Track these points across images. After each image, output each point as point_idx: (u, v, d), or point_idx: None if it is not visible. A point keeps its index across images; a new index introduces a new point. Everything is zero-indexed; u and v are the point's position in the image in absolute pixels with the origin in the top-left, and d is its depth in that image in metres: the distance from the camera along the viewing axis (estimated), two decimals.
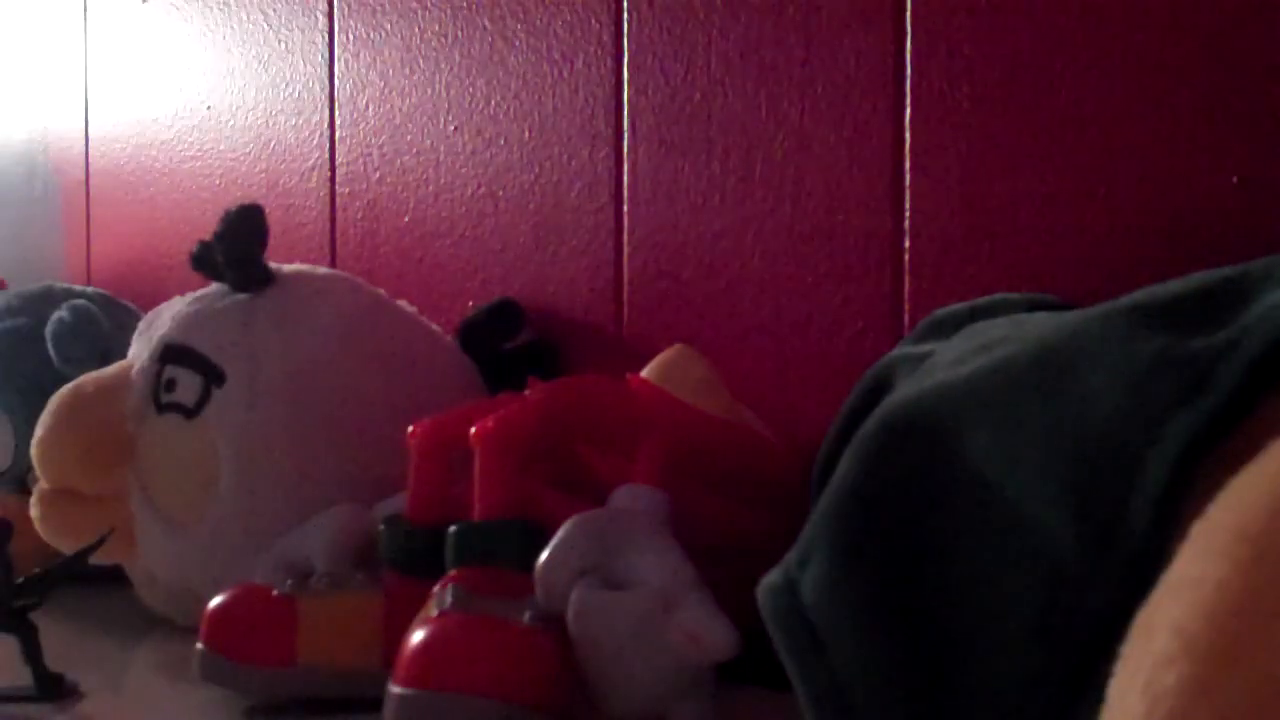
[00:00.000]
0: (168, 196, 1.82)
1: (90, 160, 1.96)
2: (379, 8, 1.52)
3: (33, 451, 1.22)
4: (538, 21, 1.35)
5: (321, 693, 0.99)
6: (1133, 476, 0.55)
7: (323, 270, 1.30)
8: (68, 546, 1.17)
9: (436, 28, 1.46)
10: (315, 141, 1.60)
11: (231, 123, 1.73)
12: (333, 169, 1.59)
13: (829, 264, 1.12)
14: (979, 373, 0.65)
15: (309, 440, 1.17)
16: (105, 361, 1.32)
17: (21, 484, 1.41)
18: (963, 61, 1.03)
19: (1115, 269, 0.95)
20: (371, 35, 1.53)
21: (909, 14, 1.06)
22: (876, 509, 0.64)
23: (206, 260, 1.23)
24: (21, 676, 1.05)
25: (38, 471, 1.22)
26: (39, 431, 1.22)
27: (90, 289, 1.55)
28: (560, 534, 0.87)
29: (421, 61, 1.47)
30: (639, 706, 0.84)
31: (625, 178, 1.27)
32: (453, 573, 0.92)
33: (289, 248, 1.60)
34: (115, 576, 1.28)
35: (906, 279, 1.06)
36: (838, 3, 1.11)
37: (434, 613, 0.86)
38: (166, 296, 1.33)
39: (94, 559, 1.13)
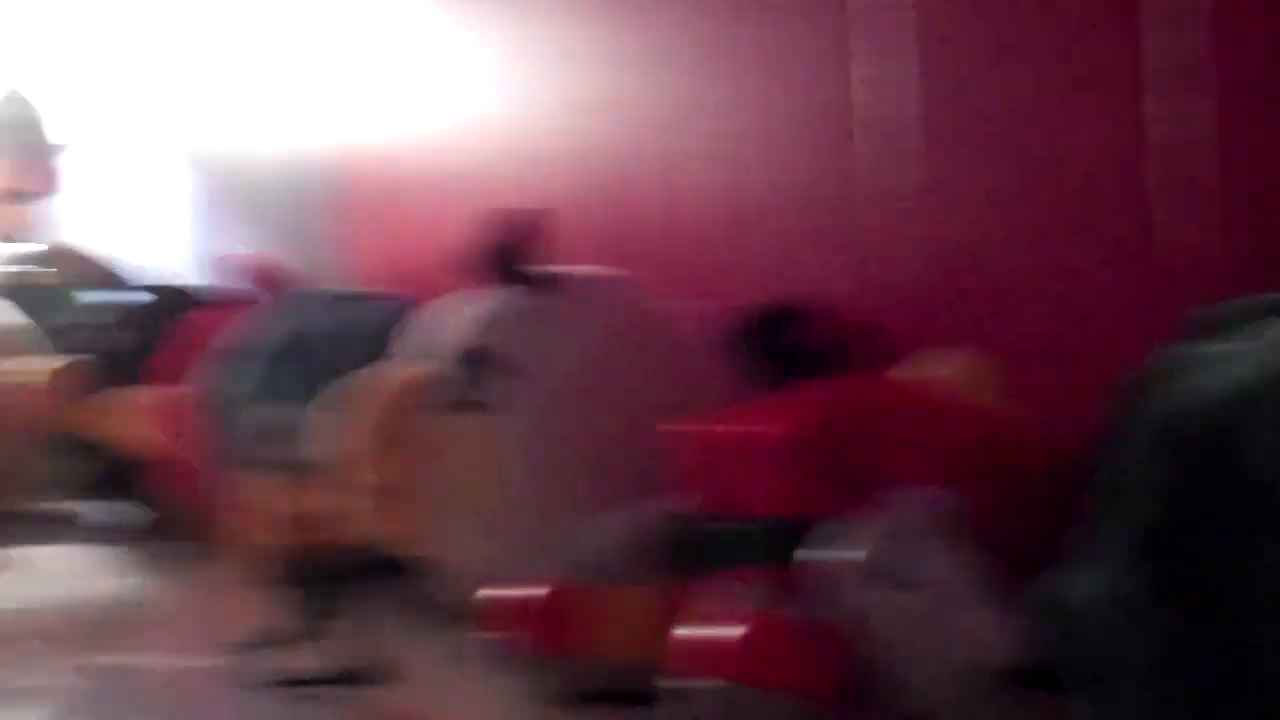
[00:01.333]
0: (436, 202, 1.86)
1: (365, 168, 2.01)
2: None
3: (333, 447, 1.31)
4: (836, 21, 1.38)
5: (614, 683, 1.03)
6: None
7: (603, 272, 1.36)
8: (372, 538, 1.25)
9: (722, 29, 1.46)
10: (587, 146, 1.63)
11: (504, 129, 1.76)
12: (602, 174, 1.61)
13: (1120, 267, 1.12)
14: (1271, 373, 0.67)
15: (597, 438, 1.23)
16: (372, 360, 1.39)
17: (310, 478, 1.44)
18: None
19: None
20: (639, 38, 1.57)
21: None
22: (1168, 510, 0.67)
23: (489, 263, 1.29)
24: (331, 661, 1.12)
25: (332, 465, 1.29)
26: (341, 427, 1.30)
27: (378, 290, 1.63)
28: (851, 535, 0.88)
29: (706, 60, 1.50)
30: (928, 706, 0.87)
31: (912, 179, 1.29)
32: (749, 570, 0.94)
33: (562, 251, 1.56)
34: (412, 568, 1.32)
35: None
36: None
37: (726, 609, 0.90)
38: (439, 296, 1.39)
39: (395, 551, 1.23)
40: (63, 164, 2.22)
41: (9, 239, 2.18)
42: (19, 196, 2.18)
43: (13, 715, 1.10)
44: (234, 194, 2.36)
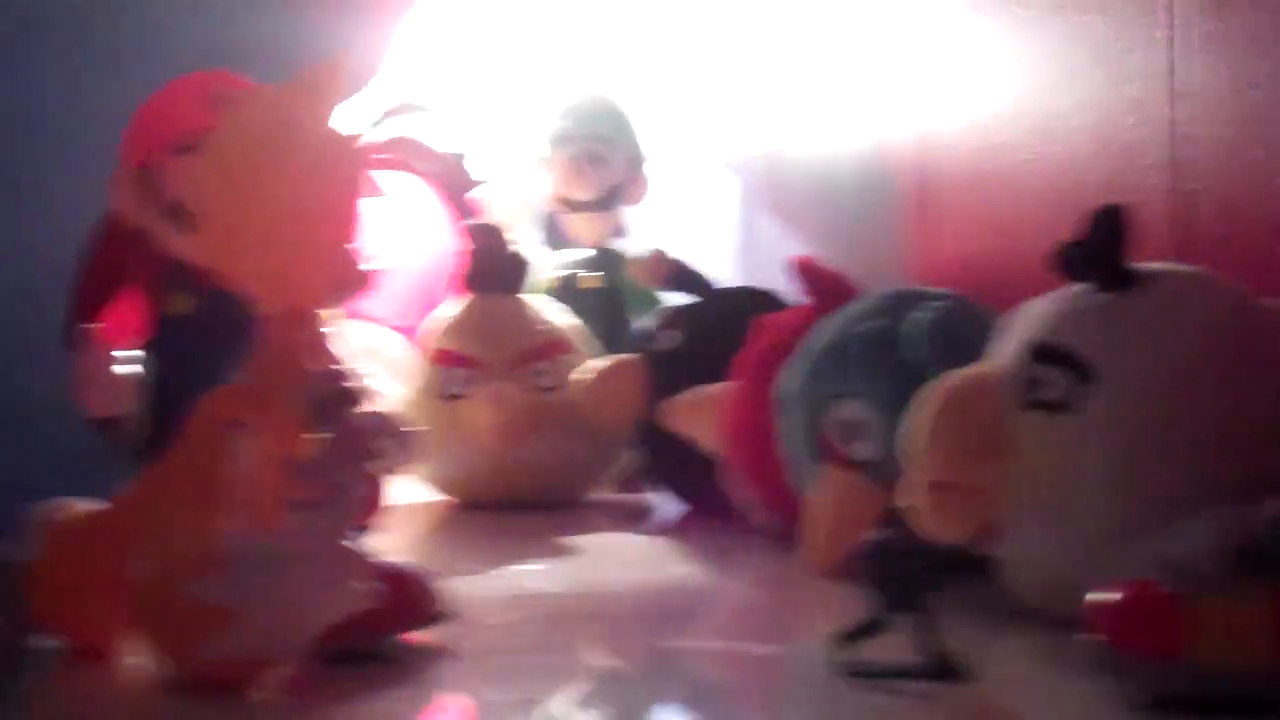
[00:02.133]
0: (1008, 198, 1.85)
1: (927, 165, 2.01)
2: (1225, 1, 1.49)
3: (908, 445, 1.30)
4: None
5: (1208, 690, 1.00)
6: None
7: (1185, 269, 1.32)
8: (945, 536, 1.25)
9: None
10: (1155, 138, 1.58)
11: (1067, 123, 1.73)
12: (1175, 166, 1.55)
13: None
14: None
15: (1183, 439, 1.19)
16: (962, 360, 1.37)
17: (888, 476, 1.46)
18: None
19: None
20: (1216, 28, 1.49)
21: None
22: None
23: (1070, 260, 1.27)
24: (910, 656, 1.12)
25: (914, 464, 1.29)
26: (915, 425, 1.30)
27: (944, 291, 1.61)
28: None
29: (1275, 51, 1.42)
30: None
31: None
32: None
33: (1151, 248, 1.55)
34: (988, 567, 1.32)
35: None
36: None
37: None
38: (1013, 296, 1.37)
39: (970, 550, 1.24)
40: (646, 172, 2.31)
41: (594, 247, 2.30)
42: (601, 204, 2.29)
43: (590, 691, 1.18)
44: (788, 197, 2.40)
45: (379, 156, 1.28)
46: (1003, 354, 1.31)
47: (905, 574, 1.12)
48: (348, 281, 1.20)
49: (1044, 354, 1.25)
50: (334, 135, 1.19)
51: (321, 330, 1.18)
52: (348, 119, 1.21)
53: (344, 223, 1.19)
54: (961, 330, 1.50)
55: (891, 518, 1.14)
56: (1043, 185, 1.75)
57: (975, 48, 1.92)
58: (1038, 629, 1.27)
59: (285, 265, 1.18)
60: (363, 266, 1.20)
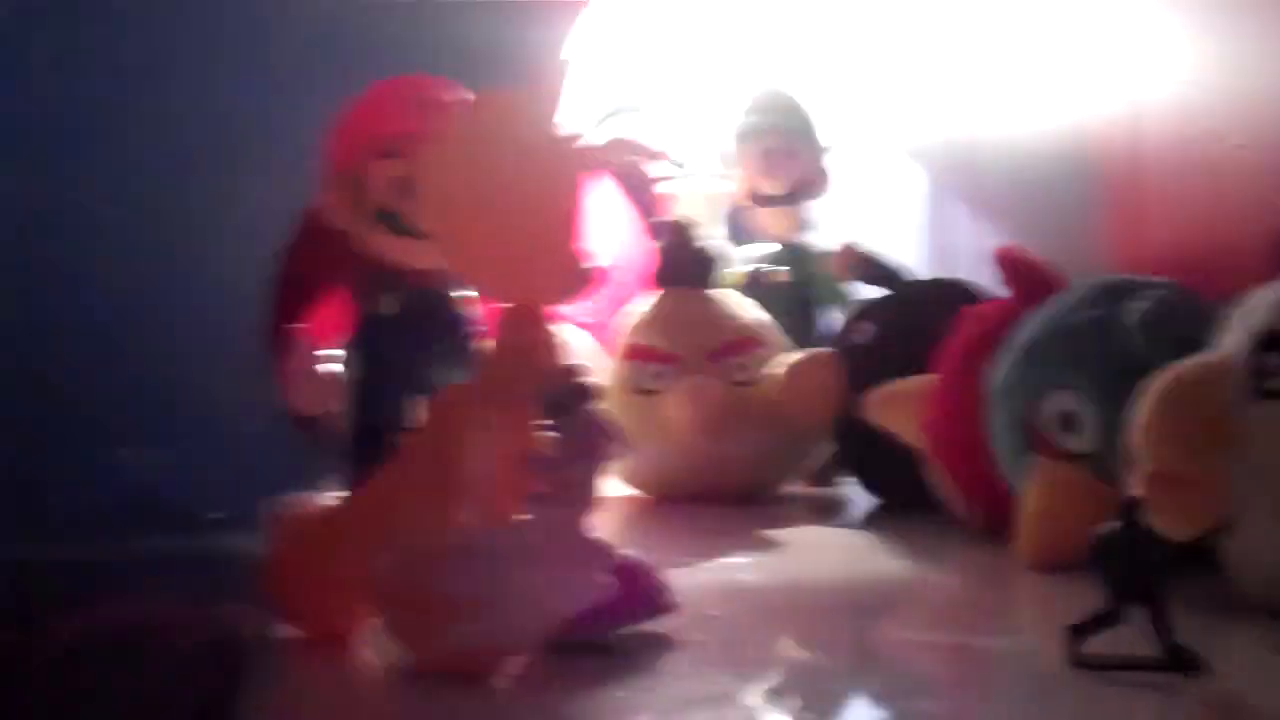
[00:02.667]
0: (1218, 186, 1.80)
1: (1132, 151, 1.97)
2: None
3: (1133, 436, 1.29)
4: None
5: None
6: None
7: None
8: (1173, 530, 1.22)
9: None
10: None
11: None
12: None
13: None
14: None
15: None
16: (1181, 351, 1.36)
17: (1102, 468, 1.48)
18: None
19: None
20: None
21: None
22: None
23: None
24: (1140, 648, 1.11)
25: (1140, 456, 1.28)
26: (1139, 417, 1.29)
27: (1159, 280, 1.59)
28: None
29: None
30: None
31: None
32: None
33: None
34: (1216, 559, 1.32)
35: None
36: None
37: None
38: (1222, 287, 1.36)
39: (1197, 542, 1.23)
40: (828, 164, 2.30)
41: (781, 241, 2.30)
42: (789, 198, 2.29)
43: (814, 682, 1.20)
44: (981, 186, 2.37)
45: (600, 157, 1.31)
46: (1228, 343, 1.29)
47: (1138, 566, 1.11)
48: (575, 280, 1.23)
49: (1273, 342, 1.24)
50: (560, 136, 1.22)
51: (552, 328, 1.21)
52: (569, 120, 1.24)
53: (571, 222, 1.22)
54: (1180, 320, 1.48)
55: (1125, 508, 1.12)
56: (1257, 171, 1.71)
57: (1183, 27, 1.88)
58: (1267, 622, 1.25)
59: (517, 266, 1.22)
60: (588, 265, 1.23)
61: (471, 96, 1.33)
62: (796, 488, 2.15)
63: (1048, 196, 2.14)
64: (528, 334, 1.20)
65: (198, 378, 1.99)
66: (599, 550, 1.15)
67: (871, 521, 1.97)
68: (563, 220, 1.22)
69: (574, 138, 1.23)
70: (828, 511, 2.06)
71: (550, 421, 1.16)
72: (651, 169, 2.28)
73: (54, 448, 2.00)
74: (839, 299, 2.23)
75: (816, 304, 2.25)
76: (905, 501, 1.90)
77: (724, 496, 2.03)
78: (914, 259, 2.37)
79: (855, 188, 2.45)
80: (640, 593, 1.22)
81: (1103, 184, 2.01)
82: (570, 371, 1.19)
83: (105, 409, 2.01)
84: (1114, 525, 1.12)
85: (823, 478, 2.15)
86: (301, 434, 1.54)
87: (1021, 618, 1.50)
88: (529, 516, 1.16)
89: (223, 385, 1.90)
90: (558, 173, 1.22)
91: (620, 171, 2.21)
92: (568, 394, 1.17)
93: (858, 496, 2.07)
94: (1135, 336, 1.49)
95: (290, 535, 1.25)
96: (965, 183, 2.43)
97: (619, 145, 1.94)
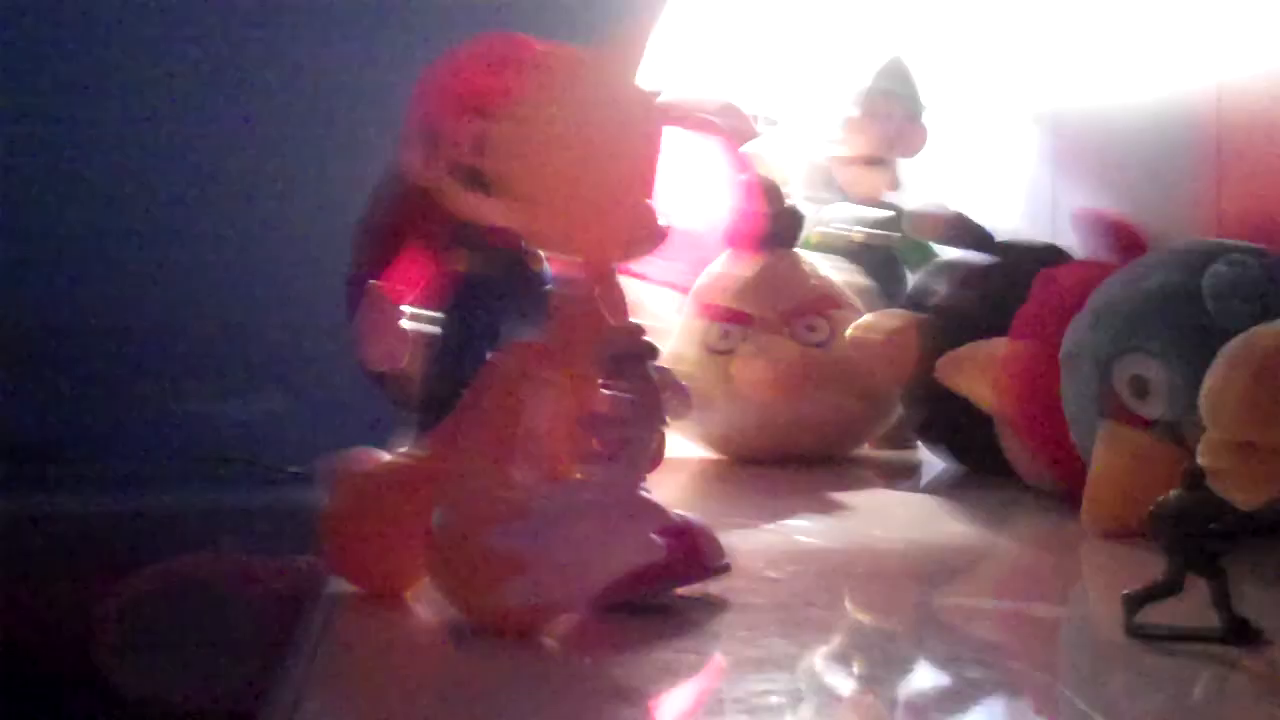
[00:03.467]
0: None
1: (1221, 113, 1.94)
2: None
3: (1203, 402, 1.27)
4: None
5: None
6: None
7: None
8: (1245, 498, 1.21)
9: None
10: None
11: None
12: None
13: None
14: None
15: None
16: (1265, 317, 1.34)
17: (1179, 435, 1.47)
18: None
19: None
20: None
21: None
22: None
23: None
24: (1207, 618, 1.10)
25: (1208, 422, 1.27)
26: (1210, 382, 1.27)
27: (1246, 244, 1.57)
28: None
29: None
30: None
31: None
32: None
33: None
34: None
35: None
36: None
37: None
38: None
39: (1264, 511, 1.20)
40: (924, 124, 2.28)
41: (869, 201, 2.28)
42: (882, 161, 2.27)
43: (868, 647, 1.20)
44: (1074, 148, 2.33)
45: (679, 114, 1.30)
46: None
47: (1202, 535, 1.10)
48: (645, 238, 1.22)
49: None
50: (640, 94, 1.22)
51: (618, 286, 1.21)
52: (647, 77, 1.23)
53: (646, 180, 1.21)
54: (1266, 286, 1.45)
55: (1189, 477, 1.10)
56: None
57: None
58: None
59: (589, 223, 1.21)
60: (659, 223, 1.22)
61: (553, 53, 1.32)
62: (872, 450, 2.14)
63: (1141, 160, 2.11)
64: (593, 292, 1.19)
65: (276, 332, 2.02)
66: (653, 510, 1.14)
67: (942, 486, 1.96)
68: (637, 177, 1.21)
69: (653, 94, 1.22)
70: (899, 475, 2.05)
71: (611, 380, 1.15)
72: (737, 127, 2.26)
73: (133, 402, 2.03)
74: (926, 259, 2.20)
75: (903, 265, 2.23)
76: (981, 467, 1.89)
77: (797, 458, 2.03)
78: (1007, 220, 2.35)
79: (951, 148, 2.42)
80: (695, 554, 1.22)
81: (1198, 149, 1.96)
82: (632, 330, 1.19)
83: (185, 362, 2.04)
84: (1178, 493, 1.10)
85: (898, 441, 2.14)
86: (380, 390, 1.56)
87: (1085, 585, 1.48)
88: (588, 475, 1.15)
89: (304, 339, 1.93)
90: (634, 129, 1.22)
91: (705, 129, 2.20)
92: (629, 352, 1.16)
93: (932, 461, 2.06)
94: (1214, 301, 1.46)
95: (349, 490, 1.26)
96: (1060, 145, 2.39)
97: (703, 104, 1.93)
